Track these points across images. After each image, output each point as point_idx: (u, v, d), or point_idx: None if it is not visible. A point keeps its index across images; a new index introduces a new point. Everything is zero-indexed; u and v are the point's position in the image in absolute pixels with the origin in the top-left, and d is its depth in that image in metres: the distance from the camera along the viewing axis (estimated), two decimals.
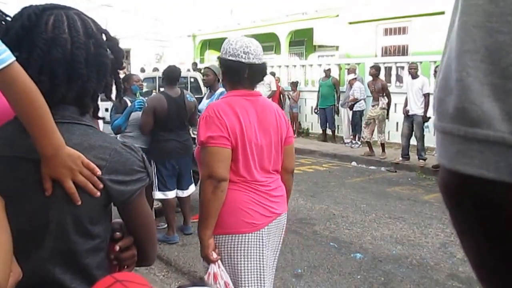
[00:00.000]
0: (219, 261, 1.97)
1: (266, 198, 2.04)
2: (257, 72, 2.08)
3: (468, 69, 0.47)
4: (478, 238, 0.51)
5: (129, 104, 4.39)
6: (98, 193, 0.92)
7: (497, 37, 0.45)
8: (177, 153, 4.42)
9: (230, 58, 2.02)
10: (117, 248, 1.01)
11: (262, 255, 2.02)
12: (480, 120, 0.45)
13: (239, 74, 2.02)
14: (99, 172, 0.92)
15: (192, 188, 4.73)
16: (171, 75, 4.51)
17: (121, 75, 7.07)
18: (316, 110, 10.77)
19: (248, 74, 2.02)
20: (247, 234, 1.97)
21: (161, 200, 4.62)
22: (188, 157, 4.52)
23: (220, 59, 2.10)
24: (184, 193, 4.63)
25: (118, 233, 1.03)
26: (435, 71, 7.66)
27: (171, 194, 4.50)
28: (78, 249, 0.93)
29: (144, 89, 6.84)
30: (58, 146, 0.89)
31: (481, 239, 0.50)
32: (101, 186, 0.92)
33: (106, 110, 7.83)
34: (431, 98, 7.50)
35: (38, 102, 0.88)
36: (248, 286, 1.98)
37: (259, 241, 2.00)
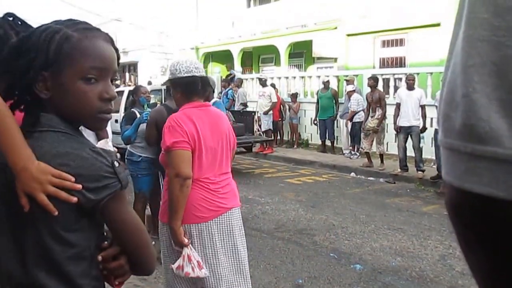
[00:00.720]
0: (190, 244, 2.29)
1: (215, 195, 2.37)
2: (206, 83, 2.54)
3: (475, 84, 0.45)
4: (487, 259, 0.49)
5: (138, 115, 4.48)
6: (75, 199, 0.91)
7: (505, 51, 0.43)
8: None
9: (185, 74, 2.39)
10: (99, 258, 1.00)
11: (214, 243, 2.35)
12: (488, 137, 0.44)
13: (195, 86, 2.40)
14: (72, 179, 0.91)
15: None
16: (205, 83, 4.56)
17: (131, 87, 7.21)
18: (315, 121, 10.86)
19: (201, 85, 2.45)
20: (196, 225, 2.33)
21: None
22: None
23: (173, 79, 2.44)
24: None
25: (105, 243, 1.02)
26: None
27: None
28: (56, 257, 0.93)
29: (152, 101, 6.93)
30: (26, 160, 0.90)
31: (490, 259, 0.48)
32: (79, 187, 0.92)
33: (116, 121, 7.93)
34: (431, 108, 7.62)
35: (1, 116, 0.90)
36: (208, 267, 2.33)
37: (209, 231, 2.35)
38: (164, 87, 9.59)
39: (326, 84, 10.51)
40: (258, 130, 10.10)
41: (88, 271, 0.98)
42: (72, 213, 0.94)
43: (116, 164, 0.98)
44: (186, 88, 2.41)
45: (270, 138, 10.50)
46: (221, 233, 2.38)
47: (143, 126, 4.45)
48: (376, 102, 8.36)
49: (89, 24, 1.04)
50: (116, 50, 1.06)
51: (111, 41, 1.05)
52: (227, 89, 12.10)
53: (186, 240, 2.27)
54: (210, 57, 19.26)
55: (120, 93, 9.39)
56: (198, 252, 2.33)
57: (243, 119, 9.39)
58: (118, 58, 1.07)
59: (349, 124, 9.82)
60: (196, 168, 2.31)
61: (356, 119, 9.54)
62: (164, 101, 4.55)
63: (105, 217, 0.99)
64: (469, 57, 0.47)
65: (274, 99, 10.59)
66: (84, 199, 0.93)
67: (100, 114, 1.01)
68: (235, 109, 11.01)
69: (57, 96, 0.98)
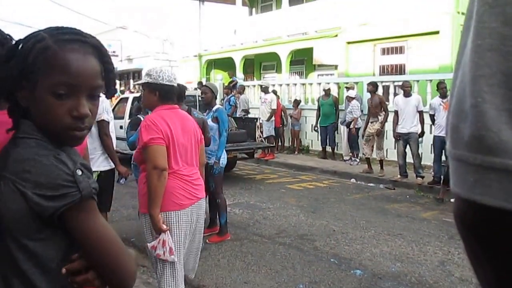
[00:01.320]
0: (168, 231, 2.59)
1: (189, 185, 2.75)
2: (182, 91, 3.61)
3: (484, 95, 0.45)
4: (497, 273, 0.48)
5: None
6: None
7: None
8: None
9: (167, 83, 2.76)
10: (63, 270, 0.95)
11: (191, 228, 2.77)
12: (497, 148, 0.43)
13: (172, 95, 2.80)
14: None
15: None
16: (179, 93, 4.60)
17: (136, 94, 7.32)
18: (315, 128, 10.94)
19: (178, 94, 3.09)
20: (176, 211, 2.66)
21: None
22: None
23: (156, 84, 2.76)
24: None
25: (75, 255, 0.98)
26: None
27: None
28: (21, 265, 0.92)
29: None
30: None
31: (500, 274, 0.47)
32: None
33: (121, 127, 8.03)
34: (427, 115, 7.71)
35: None
36: (176, 252, 2.65)
37: (187, 217, 2.72)
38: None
39: (327, 91, 10.59)
40: (260, 137, 10.17)
41: (54, 282, 0.95)
42: (31, 221, 0.91)
43: (79, 172, 0.93)
44: (165, 94, 2.77)
45: (271, 144, 10.56)
46: (195, 219, 2.80)
47: None
48: (376, 107, 8.42)
49: (77, 34, 0.99)
50: (106, 62, 1.01)
51: (98, 53, 1.00)
52: (229, 96, 12.20)
53: (164, 227, 2.57)
54: (213, 64, 19.40)
55: (125, 99, 9.51)
56: (175, 237, 2.64)
57: (245, 125, 9.44)
58: (109, 70, 1.03)
59: (346, 130, 9.91)
60: (172, 162, 2.65)
61: (356, 125, 9.66)
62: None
63: (67, 227, 0.94)
64: (478, 67, 0.46)
65: (274, 106, 10.67)
66: (40, 207, 0.90)
67: (69, 131, 0.97)
68: (237, 115, 11.09)
69: (32, 107, 0.97)
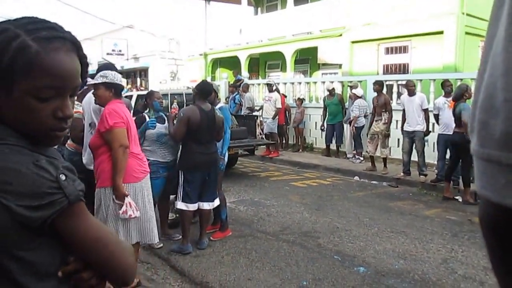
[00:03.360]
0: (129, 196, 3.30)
1: (141, 162, 3.55)
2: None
3: None
4: None
5: (148, 119, 4.61)
6: None
7: None
8: (205, 166, 4.50)
9: (118, 82, 3.48)
10: (59, 274, 0.93)
11: (143, 196, 3.51)
12: None
13: (120, 91, 3.52)
14: None
15: (217, 202, 4.76)
16: (204, 90, 4.62)
17: (140, 92, 7.38)
18: (322, 127, 10.96)
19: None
20: (134, 183, 3.43)
21: (178, 210, 4.68)
22: (215, 168, 4.61)
23: (112, 83, 3.41)
24: (209, 205, 4.67)
25: (71, 258, 0.95)
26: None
27: (193, 207, 4.54)
28: (15, 276, 0.86)
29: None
30: None
31: None
32: None
33: None
34: (431, 114, 7.72)
35: None
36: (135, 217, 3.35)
37: (141, 188, 3.50)
38: (184, 91, 10.40)
39: (331, 91, 10.61)
40: (260, 134, 10.22)
41: (57, 287, 0.92)
42: (21, 232, 0.85)
43: (63, 177, 0.88)
44: (118, 91, 3.48)
45: (272, 142, 10.60)
46: (146, 189, 3.54)
47: (150, 131, 4.57)
48: (381, 107, 8.44)
49: (54, 29, 0.91)
50: (82, 57, 0.95)
51: (76, 49, 0.93)
52: (234, 94, 12.24)
53: (127, 192, 3.29)
54: (218, 63, 19.45)
55: (129, 97, 9.59)
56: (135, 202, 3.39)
57: (246, 123, 9.49)
58: (85, 65, 0.97)
59: (349, 129, 9.93)
60: (130, 143, 3.34)
61: (356, 123, 9.68)
62: (194, 102, 4.72)
63: (60, 233, 0.90)
64: None
65: (279, 105, 10.70)
66: (27, 218, 0.84)
67: (51, 132, 0.92)
68: (242, 113, 11.14)
69: (7, 109, 0.88)
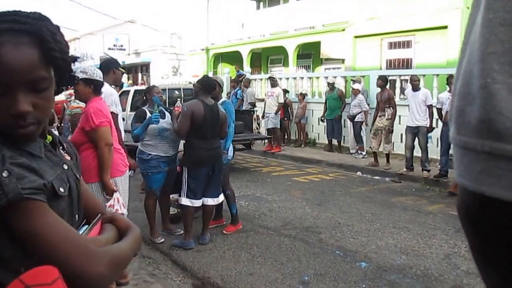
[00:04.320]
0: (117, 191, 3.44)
1: (123, 157, 3.72)
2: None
3: (494, 74, 0.40)
4: (503, 271, 0.44)
5: (148, 114, 4.59)
6: None
7: None
8: (209, 161, 4.48)
9: (98, 79, 3.49)
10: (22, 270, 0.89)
11: (126, 189, 3.73)
12: (509, 134, 0.39)
13: (100, 87, 3.52)
14: None
15: (221, 198, 4.75)
16: (208, 85, 4.59)
17: (144, 87, 7.36)
18: (322, 118, 10.95)
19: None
20: (119, 177, 3.60)
21: (181, 206, 4.66)
22: (219, 164, 4.59)
23: (91, 79, 3.43)
24: (213, 201, 4.65)
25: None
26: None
27: (197, 203, 4.51)
28: None
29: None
30: None
31: (508, 274, 0.44)
32: None
33: (123, 119, 8.09)
34: (434, 110, 7.67)
35: None
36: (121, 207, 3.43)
37: (125, 181, 3.71)
38: (183, 86, 10.38)
39: (330, 85, 10.59)
40: (257, 128, 10.23)
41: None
42: None
43: (5, 174, 0.85)
44: (97, 88, 3.50)
45: (268, 136, 10.61)
46: (125, 182, 3.72)
47: (152, 126, 4.55)
48: (385, 102, 8.39)
49: (11, 22, 0.89)
50: (49, 49, 0.91)
51: (38, 41, 0.90)
52: (236, 89, 12.22)
53: (115, 188, 3.43)
54: (220, 57, 19.42)
55: (126, 92, 9.63)
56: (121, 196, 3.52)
57: (243, 117, 9.51)
58: (55, 58, 0.92)
59: (350, 124, 9.90)
60: (112, 140, 3.46)
61: (358, 119, 9.65)
62: (194, 97, 4.69)
63: (17, 232, 0.88)
64: (489, 43, 0.41)
65: (281, 100, 10.67)
66: None
67: (13, 130, 0.90)
68: (243, 108, 11.14)
69: None
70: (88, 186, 2.58)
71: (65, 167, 1.06)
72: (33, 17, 0.93)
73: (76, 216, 1.08)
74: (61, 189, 0.98)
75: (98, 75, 3.52)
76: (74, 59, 1.05)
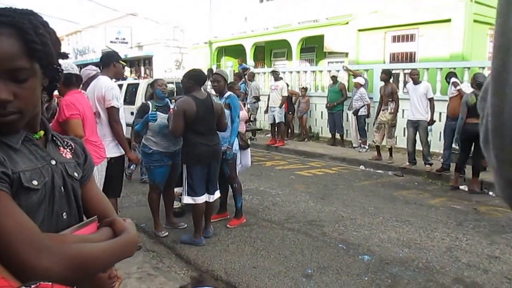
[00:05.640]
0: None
1: (98, 149, 3.81)
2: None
3: None
4: None
5: (151, 108, 4.60)
6: None
7: None
8: (207, 158, 4.37)
9: (76, 73, 3.72)
10: None
11: (101, 179, 3.85)
12: None
13: (71, 80, 3.65)
14: None
15: (218, 194, 4.71)
16: (198, 78, 4.44)
17: (148, 80, 7.35)
18: (327, 105, 10.80)
19: (76, 79, 4.00)
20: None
21: (190, 205, 4.57)
22: (217, 161, 4.51)
23: (69, 73, 3.57)
24: (211, 198, 4.57)
25: None
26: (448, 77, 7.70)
27: (200, 200, 4.42)
28: None
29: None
30: None
31: None
32: None
33: (132, 113, 8.12)
34: (436, 103, 7.67)
35: None
36: None
37: (98, 173, 3.79)
38: (177, 80, 10.06)
39: (333, 78, 10.58)
40: (248, 121, 10.28)
41: None
42: None
43: None
44: (70, 81, 3.64)
45: (258, 128, 10.74)
46: (99, 174, 3.83)
47: (152, 123, 4.55)
48: (388, 96, 8.38)
49: None
50: (30, 41, 0.93)
51: (17, 33, 0.92)
52: (239, 83, 12.21)
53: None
54: (223, 51, 19.37)
55: (135, 85, 9.59)
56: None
57: None
58: (35, 50, 0.94)
59: (355, 117, 9.90)
60: (87, 132, 3.64)
61: (361, 113, 9.65)
62: (185, 93, 4.53)
63: None
64: None
65: (285, 93, 10.67)
66: None
67: None
68: (247, 102, 11.13)
69: None
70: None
71: (53, 162, 1.06)
72: (20, 12, 0.95)
73: (64, 214, 1.06)
74: (34, 182, 0.97)
75: (73, 68, 3.72)
76: (64, 55, 1.06)
